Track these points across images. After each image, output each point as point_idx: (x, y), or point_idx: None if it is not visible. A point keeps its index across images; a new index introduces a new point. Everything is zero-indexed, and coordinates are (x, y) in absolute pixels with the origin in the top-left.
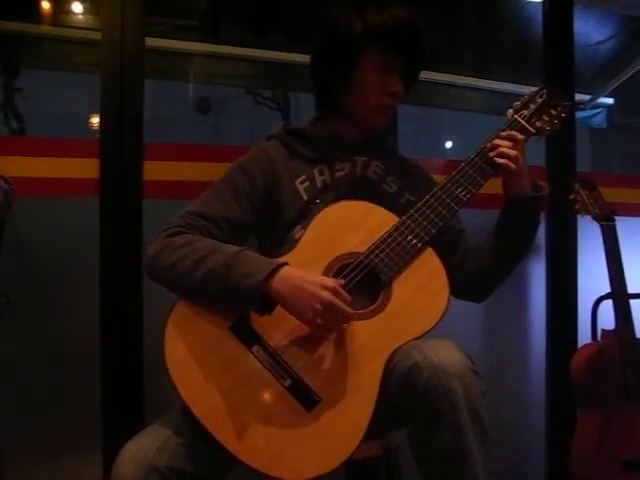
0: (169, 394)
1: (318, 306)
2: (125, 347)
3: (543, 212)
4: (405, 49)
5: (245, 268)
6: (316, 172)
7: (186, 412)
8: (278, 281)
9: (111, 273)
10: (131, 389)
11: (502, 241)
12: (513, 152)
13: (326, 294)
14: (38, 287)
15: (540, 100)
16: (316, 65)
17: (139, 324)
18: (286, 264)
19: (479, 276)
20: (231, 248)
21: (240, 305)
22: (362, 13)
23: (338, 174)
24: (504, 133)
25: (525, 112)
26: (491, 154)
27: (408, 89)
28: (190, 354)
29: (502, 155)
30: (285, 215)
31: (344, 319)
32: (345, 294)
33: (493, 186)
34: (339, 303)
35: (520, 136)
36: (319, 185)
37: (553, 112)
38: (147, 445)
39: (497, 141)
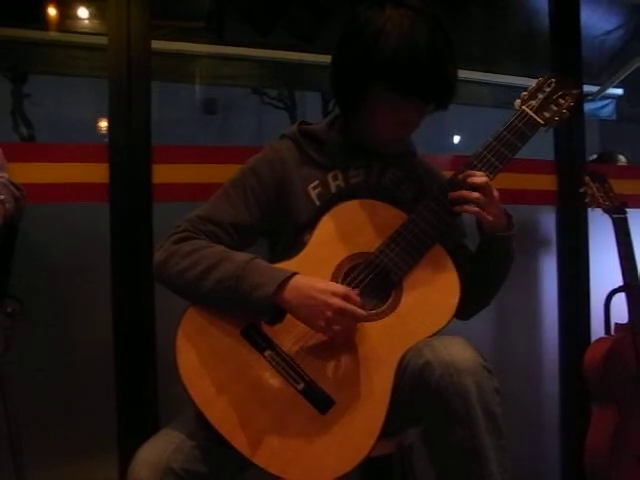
0: (183, 396)
1: (329, 313)
2: (139, 349)
3: (554, 206)
4: (426, 94)
5: (255, 279)
6: (330, 177)
7: (200, 417)
8: (288, 292)
9: (123, 277)
10: (145, 391)
11: (476, 268)
12: (475, 195)
13: (336, 301)
14: (51, 293)
15: (548, 90)
16: (330, 84)
17: (152, 326)
18: (296, 274)
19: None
20: (240, 257)
21: (250, 315)
22: (375, 44)
23: (353, 180)
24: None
25: (533, 102)
26: (452, 197)
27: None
28: (202, 361)
29: (463, 201)
30: (296, 219)
31: (357, 322)
32: (357, 299)
33: (497, 182)
34: (351, 307)
35: (480, 180)
36: (333, 190)
37: (562, 101)
38: (162, 448)
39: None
